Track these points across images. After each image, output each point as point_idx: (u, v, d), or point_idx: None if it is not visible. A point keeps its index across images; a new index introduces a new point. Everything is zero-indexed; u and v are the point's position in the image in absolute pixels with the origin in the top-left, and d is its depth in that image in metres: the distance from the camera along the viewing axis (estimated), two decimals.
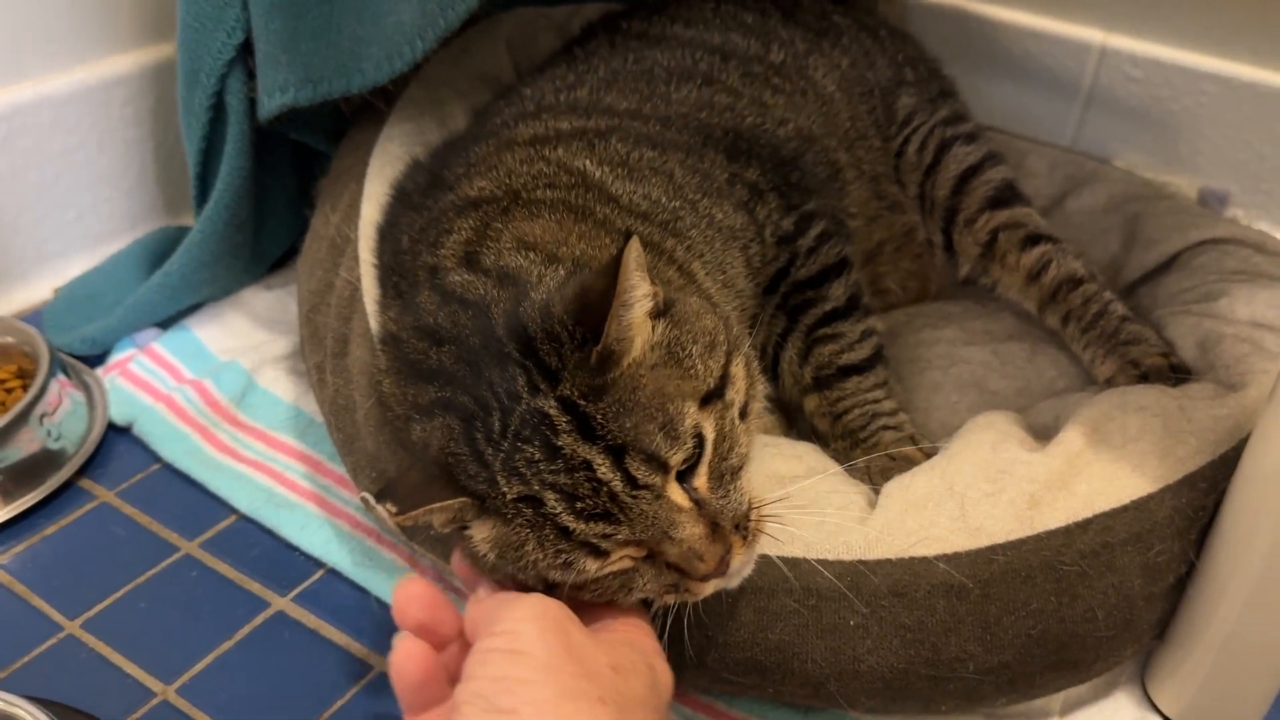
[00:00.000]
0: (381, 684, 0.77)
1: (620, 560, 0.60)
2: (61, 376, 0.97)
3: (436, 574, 0.85)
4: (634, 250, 0.58)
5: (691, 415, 0.60)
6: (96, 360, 1.07)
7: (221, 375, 1.02)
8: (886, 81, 1.05)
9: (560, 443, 0.57)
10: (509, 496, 0.58)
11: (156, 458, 0.96)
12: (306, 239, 0.96)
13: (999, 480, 0.71)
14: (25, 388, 0.96)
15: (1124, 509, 0.70)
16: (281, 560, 0.87)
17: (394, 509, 0.59)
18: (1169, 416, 0.75)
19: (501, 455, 0.59)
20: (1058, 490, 0.70)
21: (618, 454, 0.58)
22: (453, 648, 0.62)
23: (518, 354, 0.60)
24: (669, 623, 0.66)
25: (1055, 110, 1.39)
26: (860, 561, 0.68)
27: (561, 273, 0.66)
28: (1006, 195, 0.98)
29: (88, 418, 0.98)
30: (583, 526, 0.58)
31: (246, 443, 0.96)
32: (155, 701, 0.76)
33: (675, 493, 0.59)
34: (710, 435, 0.61)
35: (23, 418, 0.91)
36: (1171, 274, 0.97)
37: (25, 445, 0.91)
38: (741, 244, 0.82)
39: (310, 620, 0.82)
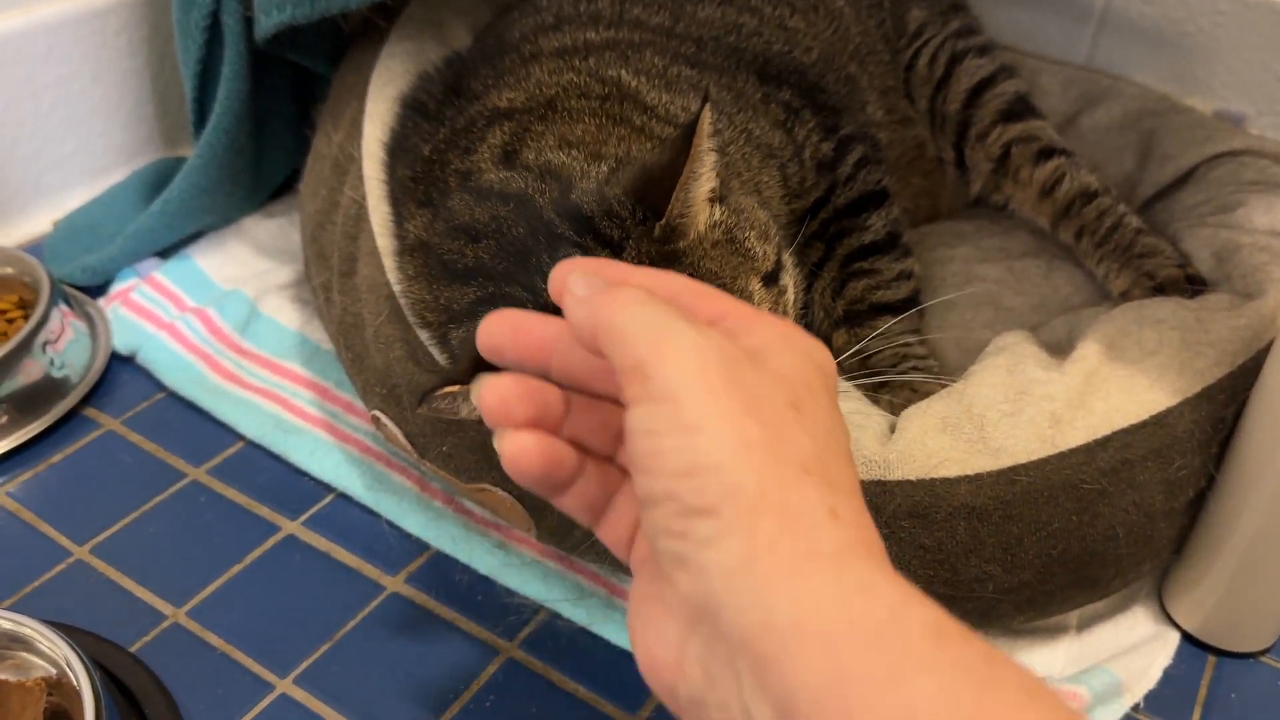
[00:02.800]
0: (394, 604, 0.77)
1: None
2: (63, 306, 0.96)
3: (447, 496, 0.84)
4: (708, 116, 0.57)
5: (759, 291, 0.61)
6: (98, 291, 1.05)
7: (224, 303, 1.00)
8: None
9: None
10: None
11: (161, 386, 0.95)
12: (308, 159, 0.94)
13: (1018, 401, 0.70)
14: (27, 318, 0.95)
15: (1143, 425, 0.69)
16: (290, 485, 0.86)
17: (456, 388, 0.56)
18: (1186, 329, 0.73)
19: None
20: (1077, 408, 0.69)
21: None
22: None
23: (573, 233, 0.59)
24: None
25: (1067, 33, 1.36)
26: (879, 482, 0.67)
27: (605, 169, 0.64)
28: (1019, 109, 0.96)
29: (91, 347, 0.97)
30: None
31: (252, 370, 0.95)
32: (166, 624, 0.76)
33: None
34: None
35: (25, 346, 0.89)
36: (1187, 188, 0.95)
37: (29, 373, 0.90)
38: (779, 163, 0.80)
39: (321, 543, 0.82)
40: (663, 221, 0.58)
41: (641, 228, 0.59)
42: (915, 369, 0.80)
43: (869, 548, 0.39)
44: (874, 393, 0.79)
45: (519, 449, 0.47)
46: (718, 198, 0.62)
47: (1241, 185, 0.90)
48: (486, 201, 0.65)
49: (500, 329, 0.48)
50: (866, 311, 0.82)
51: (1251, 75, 1.26)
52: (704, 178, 0.59)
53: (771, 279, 0.64)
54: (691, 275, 0.56)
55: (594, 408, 0.49)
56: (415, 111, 0.84)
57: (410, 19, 1.00)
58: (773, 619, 0.36)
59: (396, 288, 0.74)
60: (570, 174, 0.64)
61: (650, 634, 0.43)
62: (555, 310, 0.49)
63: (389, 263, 0.78)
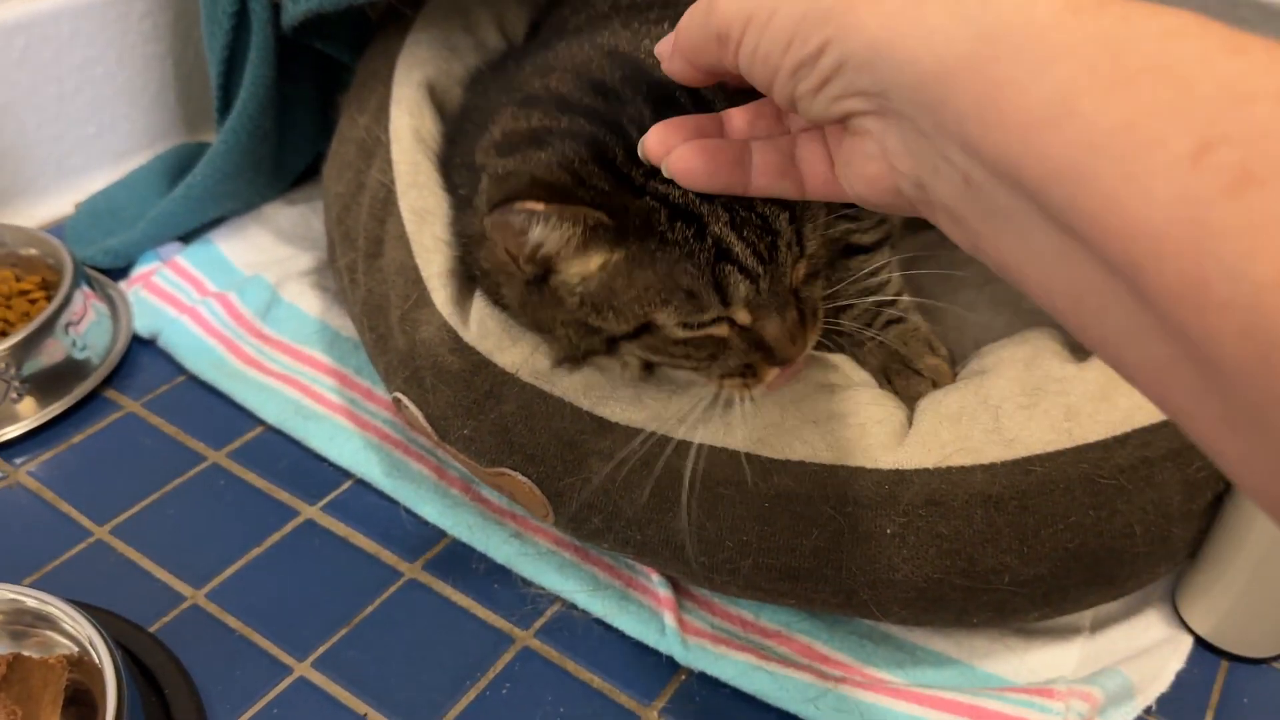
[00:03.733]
0: (411, 591, 0.78)
1: (719, 326, 0.62)
2: (86, 288, 0.96)
3: (464, 484, 0.84)
4: None
5: (824, 216, 0.62)
6: (119, 274, 1.06)
7: (246, 289, 1.01)
8: None
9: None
10: (676, 202, 0.58)
11: (181, 369, 0.96)
12: (333, 142, 0.95)
13: (1034, 394, 0.70)
14: (49, 299, 0.95)
15: (1163, 424, 0.69)
16: (310, 470, 0.87)
17: (540, 205, 0.57)
18: None
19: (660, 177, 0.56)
20: (1096, 403, 0.69)
21: (792, 214, 0.60)
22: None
23: (684, 96, 0.60)
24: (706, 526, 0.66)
25: None
26: (897, 470, 0.67)
27: None
28: None
29: (112, 329, 0.98)
30: (742, 251, 0.59)
31: (272, 356, 0.96)
32: (185, 605, 0.76)
33: (791, 273, 0.62)
34: (821, 234, 0.63)
35: (48, 326, 0.90)
36: None
37: (51, 354, 0.91)
38: None
39: (340, 529, 0.82)
40: None
41: None
42: (889, 321, 0.80)
43: None
44: (885, 379, 0.79)
45: (682, 162, 0.51)
46: None
47: None
48: (596, 62, 0.66)
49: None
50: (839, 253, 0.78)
51: None
52: None
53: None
54: None
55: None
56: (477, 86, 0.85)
57: (436, 6, 1.00)
58: (944, 52, 0.36)
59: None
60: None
61: (858, 167, 0.45)
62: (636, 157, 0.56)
63: None
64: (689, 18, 0.49)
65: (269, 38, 0.96)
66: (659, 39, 0.55)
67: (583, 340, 0.67)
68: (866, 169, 0.44)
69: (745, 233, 0.59)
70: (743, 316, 0.62)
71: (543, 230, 0.59)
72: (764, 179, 0.51)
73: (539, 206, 0.57)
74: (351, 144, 0.90)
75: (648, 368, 0.70)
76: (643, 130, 0.56)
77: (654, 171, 0.56)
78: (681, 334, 0.62)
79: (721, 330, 0.62)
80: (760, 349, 0.63)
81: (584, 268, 0.62)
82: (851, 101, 0.42)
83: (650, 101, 0.61)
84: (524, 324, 0.72)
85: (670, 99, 0.60)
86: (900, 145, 0.41)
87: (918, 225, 1.02)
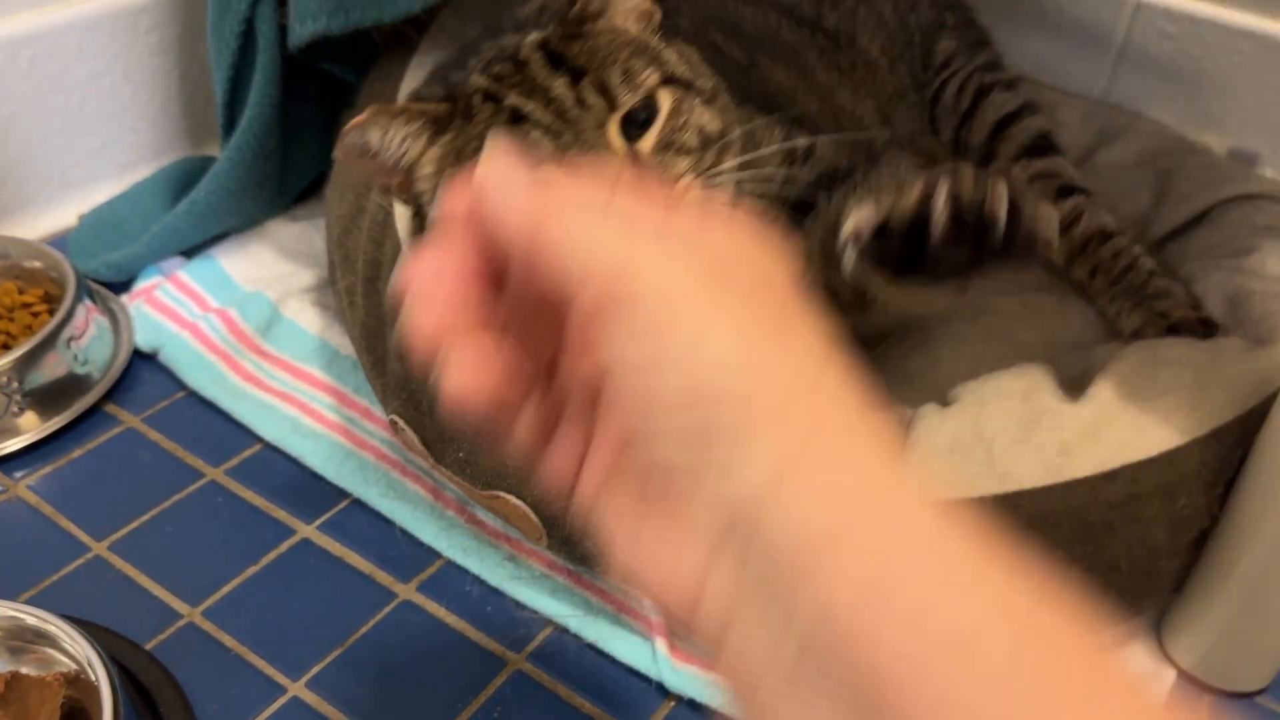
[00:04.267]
0: (405, 612, 0.78)
1: None
2: (88, 302, 0.97)
3: (459, 506, 0.85)
4: None
5: (651, 78, 0.66)
6: (121, 287, 1.07)
7: (247, 305, 1.02)
8: (927, 24, 1.04)
9: (530, 66, 0.66)
10: (480, 87, 0.67)
11: (182, 385, 0.97)
12: (336, 165, 0.96)
13: (1029, 429, 0.71)
14: (52, 312, 0.96)
15: (1152, 461, 0.70)
16: (307, 489, 0.88)
17: (367, 114, 0.65)
18: (1198, 370, 0.74)
19: (481, 70, 0.67)
20: (1087, 440, 0.70)
21: (576, 77, 0.65)
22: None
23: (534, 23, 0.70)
24: None
25: (1086, 64, 1.37)
26: None
27: None
28: (1042, 145, 0.97)
29: (113, 343, 0.98)
30: (535, 111, 0.65)
31: (272, 372, 0.97)
32: (182, 623, 0.77)
33: (614, 133, 0.66)
34: (666, 107, 0.67)
35: (50, 341, 0.91)
36: (1202, 229, 0.96)
37: (53, 369, 0.91)
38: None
39: (335, 548, 0.83)
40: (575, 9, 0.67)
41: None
42: None
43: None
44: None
45: (463, 377, 0.38)
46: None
47: (1256, 229, 0.91)
48: None
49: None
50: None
51: (1267, 114, 1.27)
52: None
53: (679, 82, 0.68)
54: (588, 49, 0.66)
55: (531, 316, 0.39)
56: None
57: (441, 29, 1.01)
58: (815, 528, 0.31)
59: None
60: None
61: (662, 553, 0.36)
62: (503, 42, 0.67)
63: None
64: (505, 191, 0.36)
65: (275, 57, 0.97)
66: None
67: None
68: (667, 556, 0.35)
69: (534, 97, 0.65)
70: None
71: (377, 133, 0.67)
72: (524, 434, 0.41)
73: (364, 116, 0.66)
74: None
75: None
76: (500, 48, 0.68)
77: (485, 68, 0.67)
78: None
79: None
80: None
81: (426, 170, 0.69)
82: (705, 507, 0.33)
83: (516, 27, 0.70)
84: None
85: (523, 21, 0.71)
86: (733, 572, 0.33)
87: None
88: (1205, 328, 0.83)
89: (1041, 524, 0.68)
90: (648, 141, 0.67)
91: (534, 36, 0.68)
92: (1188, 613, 0.76)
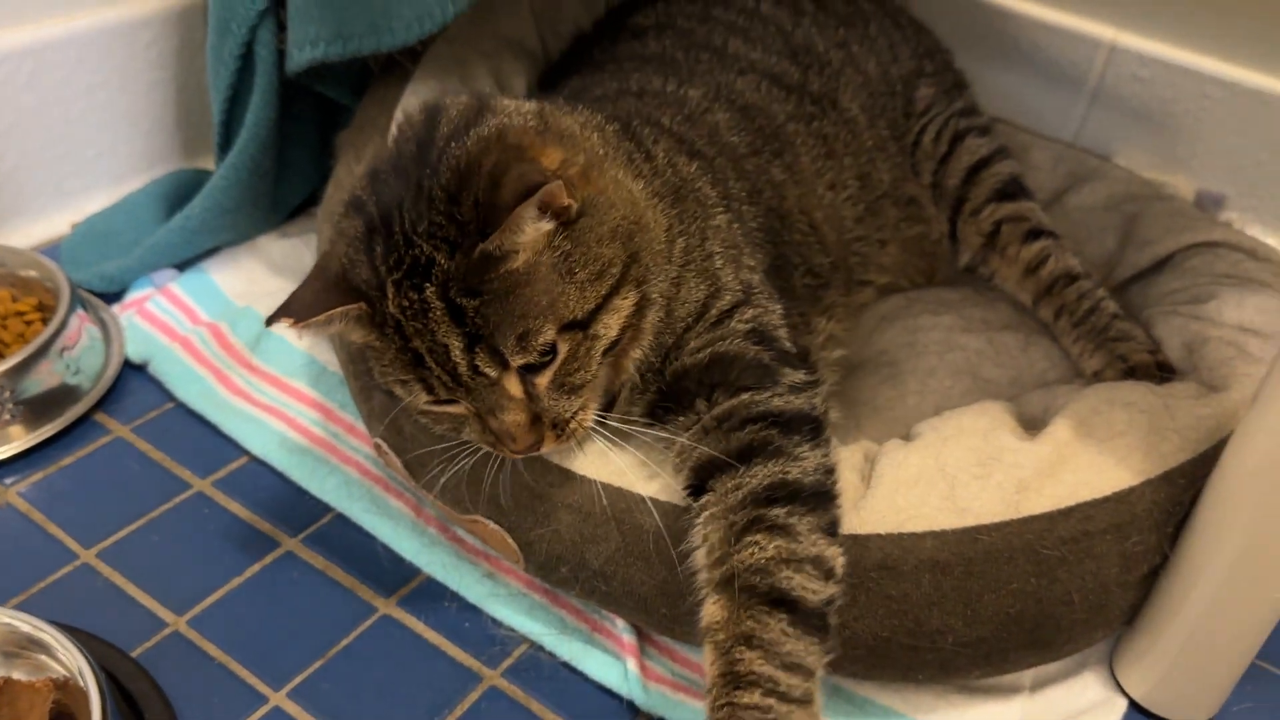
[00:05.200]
0: (385, 626, 0.81)
1: (455, 405, 0.69)
2: (81, 311, 0.99)
3: (440, 524, 0.88)
4: (543, 193, 0.63)
5: (548, 334, 0.67)
6: (112, 298, 1.09)
7: (237, 320, 1.04)
8: (908, 73, 1.08)
9: (431, 311, 0.66)
10: (390, 312, 0.66)
11: (171, 396, 0.99)
12: (329, 187, 0.98)
13: (989, 465, 0.75)
14: (45, 321, 0.98)
15: (1106, 500, 0.73)
16: (292, 502, 0.90)
17: (290, 320, 0.66)
18: (1154, 413, 0.78)
19: (392, 279, 0.66)
20: (1044, 478, 0.74)
21: (472, 342, 0.66)
22: None
23: (428, 191, 0.66)
24: None
25: (1060, 104, 1.41)
26: (854, 535, 0.71)
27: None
28: (1013, 189, 1.01)
29: (105, 353, 1.01)
30: (434, 367, 0.67)
31: (260, 387, 0.99)
32: (167, 632, 0.79)
33: (511, 384, 0.68)
34: (563, 354, 0.68)
35: (43, 351, 0.93)
36: (1164, 274, 1.00)
37: (45, 378, 0.93)
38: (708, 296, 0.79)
39: (319, 561, 0.85)
40: (484, 246, 0.64)
41: (471, 240, 0.65)
42: None
43: None
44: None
45: None
46: (570, 220, 0.67)
47: (1215, 277, 0.95)
48: (411, 120, 0.73)
49: None
50: (762, 595, 0.64)
51: (1233, 158, 1.31)
52: (529, 228, 0.65)
53: (575, 325, 0.68)
54: (487, 308, 0.64)
55: None
56: None
57: (435, 58, 1.04)
58: None
59: None
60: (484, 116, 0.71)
61: None
62: (404, 245, 0.64)
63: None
64: None
65: (273, 81, 1.00)
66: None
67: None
68: None
69: (435, 355, 0.66)
70: (466, 407, 0.70)
71: (306, 335, 0.70)
72: None
73: (288, 322, 0.67)
74: (346, 191, 0.94)
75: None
76: (401, 220, 0.66)
77: (392, 270, 0.66)
78: (423, 405, 0.71)
79: (459, 409, 0.70)
80: (490, 432, 0.70)
81: (354, 335, 0.71)
82: None
83: (415, 187, 0.67)
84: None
85: (422, 188, 0.67)
86: None
87: (893, 291, 1.06)
88: (1163, 372, 0.86)
89: (998, 556, 0.71)
90: (543, 380, 0.68)
91: (441, 261, 0.64)
92: (1139, 645, 0.79)
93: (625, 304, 0.69)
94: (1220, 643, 0.76)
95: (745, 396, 0.72)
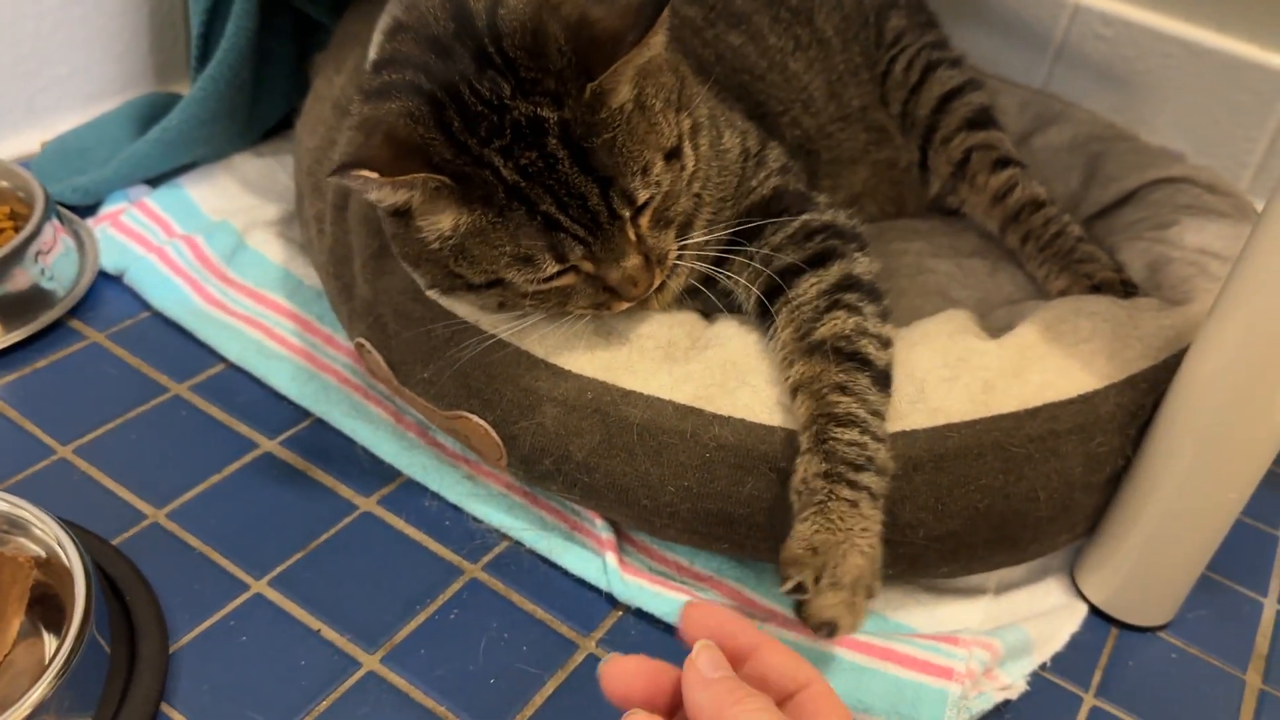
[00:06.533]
0: (366, 522, 0.82)
1: (567, 276, 0.70)
2: (55, 221, 0.98)
3: (420, 429, 0.89)
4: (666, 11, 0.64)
5: (659, 166, 0.69)
6: (86, 212, 1.08)
7: (213, 233, 1.04)
8: (880, 4, 1.10)
9: (560, 163, 0.65)
10: (509, 181, 0.65)
11: (145, 305, 0.99)
12: (308, 100, 0.98)
13: (956, 367, 0.77)
14: (17, 229, 0.97)
15: (1071, 401, 0.76)
16: (270, 407, 0.90)
17: (375, 173, 0.63)
18: (1118, 322, 0.81)
19: (496, 148, 0.65)
20: (1011, 378, 0.76)
21: (605, 185, 0.66)
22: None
23: (499, 58, 0.65)
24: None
25: (1026, 61, 1.44)
26: None
27: None
28: (983, 119, 1.03)
29: (79, 262, 1.00)
30: (569, 224, 0.66)
31: (236, 298, 0.99)
32: (146, 523, 0.79)
33: (630, 227, 0.69)
34: (665, 187, 0.70)
35: (18, 253, 0.92)
36: (1127, 207, 1.03)
37: (19, 281, 0.93)
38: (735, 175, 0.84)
39: (298, 462, 0.86)
40: (595, 86, 0.65)
41: (576, 84, 0.65)
42: (870, 473, 0.71)
43: None
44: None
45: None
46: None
47: (1177, 208, 0.98)
48: (418, 5, 0.71)
49: (633, 674, 0.54)
50: (848, 356, 0.74)
51: (1192, 116, 1.35)
52: (645, 55, 0.66)
53: (673, 154, 0.70)
54: (610, 146, 0.65)
55: None
56: None
57: None
58: None
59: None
60: None
61: None
62: (494, 111, 0.62)
63: None
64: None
65: None
66: None
67: (445, 279, 0.73)
68: None
69: (570, 209, 0.66)
70: (587, 266, 0.70)
71: (379, 193, 0.66)
72: None
73: (372, 175, 0.63)
74: (326, 102, 0.94)
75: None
76: (474, 90, 0.65)
77: (487, 140, 0.65)
78: (531, 288, 0.70)
79: (569, 280, 0.70)
80: (607, 290, 0.71)
81: (436, 224, 0.68)
82: None
83: (475, 58, 0.66)
84: (398, 254, 0.76)
85: (486, 56, 0.66)
86: None
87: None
88: (1126, 288, 0.89)
89: (968, 454, 0.73)
90: (645, 219, 0.70)
91: (549, 115, 0.65)
92: (1100, 551, 0.82)
93: (687, 127, 0.72)
94: (1176, 549, 0.79)
95: (805, 216, 0.81)
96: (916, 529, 0.74)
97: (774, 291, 0.78)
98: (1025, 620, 0.80)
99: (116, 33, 1.19)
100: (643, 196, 0.68)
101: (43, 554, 0.70)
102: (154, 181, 1.11)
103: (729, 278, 0.80)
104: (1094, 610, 0.83)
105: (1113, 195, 1.05)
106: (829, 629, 0.66)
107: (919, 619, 0.80)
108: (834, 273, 0.78)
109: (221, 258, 1.02)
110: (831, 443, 0.70)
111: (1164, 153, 1.11)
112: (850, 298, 0.77)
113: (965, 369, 0.76)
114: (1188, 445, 0.74)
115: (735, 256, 0.80)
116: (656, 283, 0.73)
